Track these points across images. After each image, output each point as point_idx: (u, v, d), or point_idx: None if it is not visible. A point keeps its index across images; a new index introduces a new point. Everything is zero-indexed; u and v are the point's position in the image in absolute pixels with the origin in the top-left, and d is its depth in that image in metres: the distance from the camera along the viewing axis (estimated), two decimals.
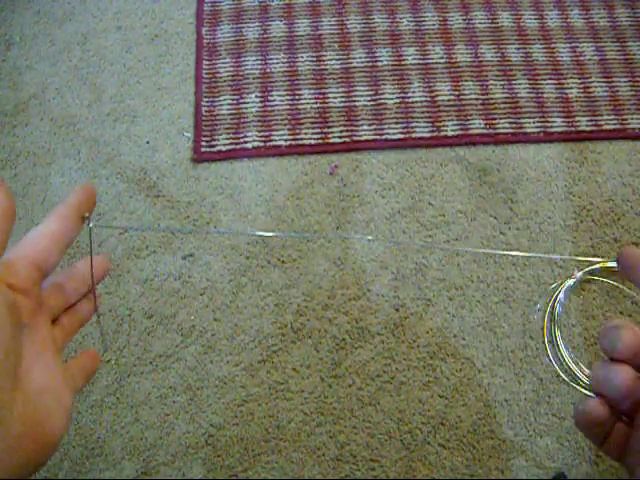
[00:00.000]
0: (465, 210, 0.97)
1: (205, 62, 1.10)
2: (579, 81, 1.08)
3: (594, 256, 0.94)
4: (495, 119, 1.05)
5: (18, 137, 1.04)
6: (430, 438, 0.83)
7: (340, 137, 1.03)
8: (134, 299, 0.91)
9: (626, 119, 1.05)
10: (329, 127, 1.04)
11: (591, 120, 1.05)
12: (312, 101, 1.06)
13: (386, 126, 1.04)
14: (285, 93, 1.07)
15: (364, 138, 1.03)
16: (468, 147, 1.03)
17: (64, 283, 0.32)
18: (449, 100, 1.06)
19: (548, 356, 0.88)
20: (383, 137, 1.03)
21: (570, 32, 1.14)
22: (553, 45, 1.12)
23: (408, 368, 0.87)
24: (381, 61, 1.10)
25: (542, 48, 1.12)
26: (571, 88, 1.08)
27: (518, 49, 1.11)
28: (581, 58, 1.11)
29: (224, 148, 1.02)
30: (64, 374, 0.29)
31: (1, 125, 1.05)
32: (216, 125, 1.04)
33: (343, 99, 1.06)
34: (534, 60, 1.10)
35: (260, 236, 0.96)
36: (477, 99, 1.06)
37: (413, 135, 1.03)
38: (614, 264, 0.31)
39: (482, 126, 1.04)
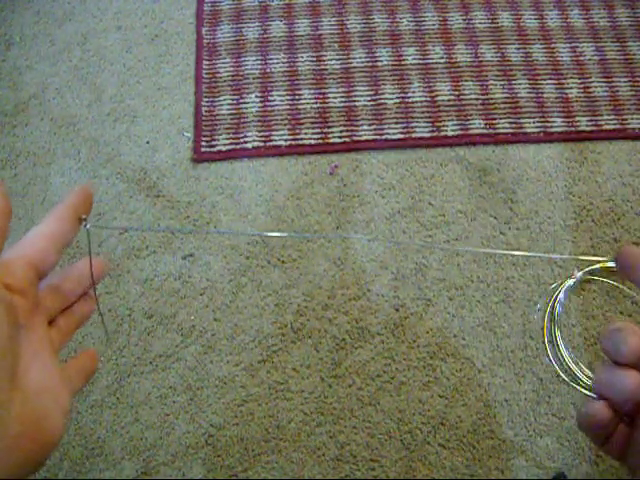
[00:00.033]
0: (465, 210, 0.97)
1: (205, 62, 1.10)
2: (579, 81, 1.08)
3: (594, 256, 0.94)
4: (495, 119, 1.05)
5: (18, 137, 1.04)
6: (430, 438, 0.83)
7: (340, 137, 1.03)
8: (134, 299, 0.91)
9: (626, 119, 1.05)
10: (329, 127, 1.04)
11: (591, 120, 1.05)
12: (312, 101, 1.06)
13: (386, 126, 1.04)
14: (285, 93, 1.07)
15: (364, 138, 1.03)
16: (468, 147, 1.03)
17: (61, 284, 0.32)
18: (449, 100, 1.06)
19: (548, 356, 0.87)
20: (383, 137, 1.03)
21: (570, 32, 1.14)
22: (553, 45, 1.12)
23: (408, 368, 0.87)
24: (381, 61, 1.10)
25: (542, 48, 1.12)
26: (571, 88, 1.08)
27: (518, 49, 1.11)
28: (581, 58, 1.11)
29: (224, 148, 1.02)
30: (62, 374, 0.29)
31: (1, 125, 1.05)
32: (216, 125, 1.04)
33: (343, 99, 1.06)
34: (534, 60, 1.10)
35: (260, 236, 0.96)
36: (477, 99, 1.06)
37: (413, 135, 1.03)
38: (614, 264, 0.31)
39: (482, 126, 1.04)
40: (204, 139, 1.03)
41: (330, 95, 1.07)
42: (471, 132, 1.03)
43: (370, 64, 1.10)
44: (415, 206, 0.98)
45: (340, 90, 1.07)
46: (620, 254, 0.30)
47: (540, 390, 0.86)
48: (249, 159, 1.02)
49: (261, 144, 1.02)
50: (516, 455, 0.82)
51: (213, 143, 1.02)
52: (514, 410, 0.84)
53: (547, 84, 1.08)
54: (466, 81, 1.08)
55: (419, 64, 1.10)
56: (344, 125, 1.04)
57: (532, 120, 1.04)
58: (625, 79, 1.09)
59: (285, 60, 1.10)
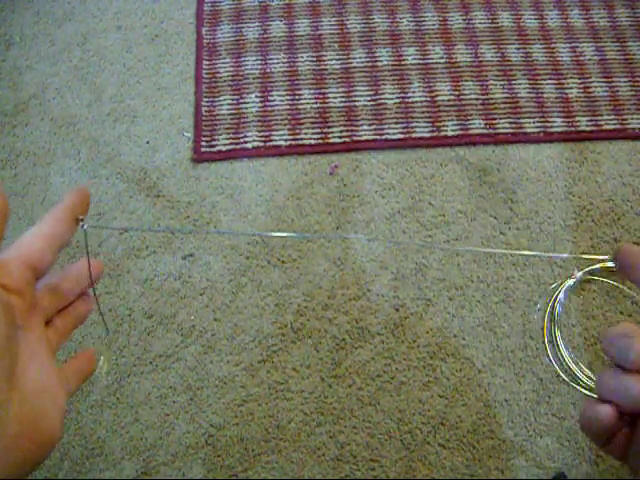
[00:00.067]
0: (465, 210, 0.97)
1: (205, 62, 1.10)
2: (579, 81, 1.08)
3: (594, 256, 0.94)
4: (495, 119, 1.04)
5: (18, 137, 1.04)
6: (430, 438, 0.83)
7: (340, 137, 1.03)
8: (134, 299, 0.91)
9: (626, 119, 1.05)
10: (329, 127, 1.04)
11: (591, 120, 1.05)
12: (312, 101, 1.06)
13: (386, 126, 1.04)
14: (285, 93, 1.07)
15: (364, 138, 1.03)
16: (468, 147, 1.03)
17: (58, 284, 0.32)
18: (449, 100, 1.06)
19: (548, 356, 0.87)
20: (383, 137, 1.03)
21: (570, 32, 1.13)
22: (553, 45, 1.12)
23: (408, 368, 0.87)
24: (381, 61, 1.10)
25: (542, 48, 1.12)
26: (571, 88, 1.08)
27: (518, 49, 1.11)
28: (581, 58, 1.11)
29: (224, 148, 1.02)
30: (59, 375, 0.29)
31: (1, 125, 1.05)
32: (216, 125, 1.04)
33: (343, 99, 1.06)
34: (534, 60, 1.10)
35: (260, 236, 0.96)
36: (477, 99, 1.06)
37: (413, 135, 1.03)
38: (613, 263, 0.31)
39: (482, 126, 1.04)
40: (204, 139, 1.03)
41: (330, 95, 1.07)
42: (471, 132, 1.03)
43: (370, 64, 1.10)
44: (415, 206, 0.98)
45: (340, 90, 1.07)
46: (619, 253, 0.29)
47: (540, 390, 0.86)
48: (249, 159, 1.02)
49: (261, 144, 1.02)
50: (516, 455, 0.82)
51: (213, 143, 1.02)
52: (514, 410, 0.84)
53: (547, 84, 1.08)
54: (466, 81, 1.08)
55: (419, 64, 1.10)
56: (344, 125, 1.04)
57: (532, 120, 1.04)
58: (625, 79, 1.09)
59: (285, 60, 1.10)
